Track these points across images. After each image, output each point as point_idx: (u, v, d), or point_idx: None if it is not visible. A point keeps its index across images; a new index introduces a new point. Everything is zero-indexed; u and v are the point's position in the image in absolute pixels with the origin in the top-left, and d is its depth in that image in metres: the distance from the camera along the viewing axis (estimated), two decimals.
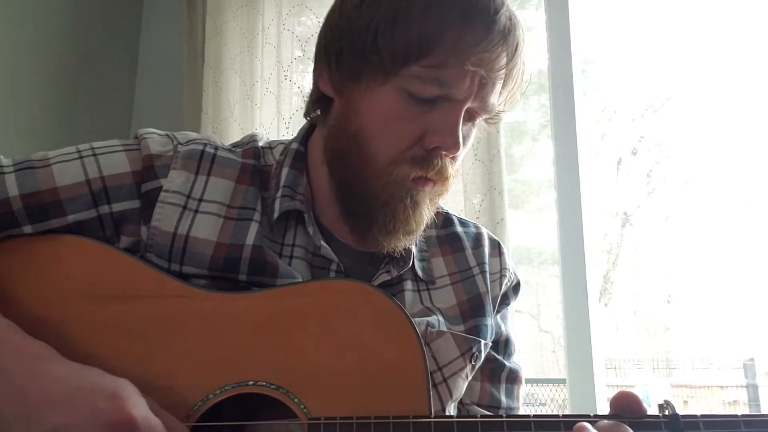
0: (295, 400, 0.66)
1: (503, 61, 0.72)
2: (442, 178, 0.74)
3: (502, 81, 0.75)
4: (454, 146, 0.72)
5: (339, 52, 0.74)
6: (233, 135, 1.92)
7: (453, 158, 0.75)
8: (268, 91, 1.98)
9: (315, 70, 0.80)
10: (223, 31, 2.04)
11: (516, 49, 0.73)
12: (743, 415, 0.60)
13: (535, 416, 0.62)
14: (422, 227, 0.77)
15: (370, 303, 0.69)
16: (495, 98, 0.75)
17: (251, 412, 0.69)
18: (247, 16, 2.05)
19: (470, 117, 0.76)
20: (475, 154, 1.70)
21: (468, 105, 0.73)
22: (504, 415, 0.63)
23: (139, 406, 0.60)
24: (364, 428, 0.63)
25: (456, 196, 1.74)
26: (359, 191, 0.75)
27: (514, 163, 2.48)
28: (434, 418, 0.63)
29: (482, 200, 1.68)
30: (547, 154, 1.91)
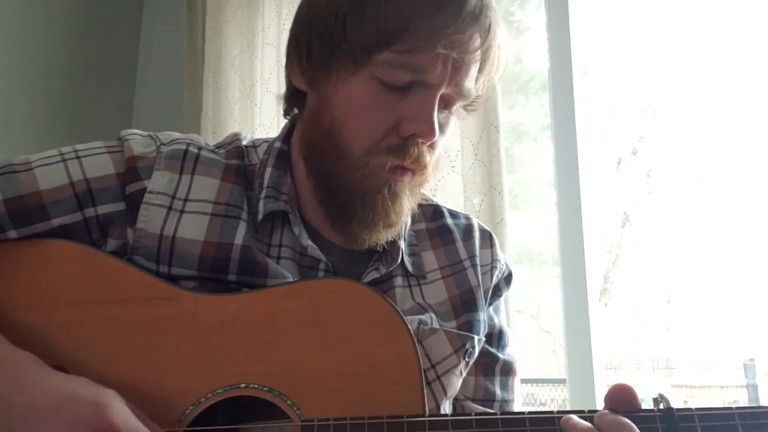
0: (288, 402, 0.65)
1: (477, 42, 0.71)
2: (419, 166, 0.73)
3: (477, 64, 0.73)
4: (430, 132, 0.71)
5: (309, 44, 0.73)
6: None
7: (431, 146, 0.73)
8: (268, 91, 1.98)
9: (287, 65, 0.78)
10: (223, 31, 2.04)
11: (489, 30, 0.72)
12: (737, 408, 0.61)
13: (530, 413, 0.62)
14: (403, 219, 0.75)
15: (362, 301, 0.68)
16: (471, 82, 0.73)
17: (244, 415, 0.69)
18: (247, 16, 2.05)
19: (446, 104, 0.74)
20: (475, 154, 1.70)
21: (443, 90, 0.71)
22: (499, 413, 0.63)
23: (121, 414, 0.60)
24: (358, 429, 0.62)
25: (456, 196, 1.73)
26: (336, 184, 0.74)
27: (514, 163, 2.48)
28: (428, 416, 0.63)
29: (482, 200, 1.67)
30: (547, 154, 1.91)
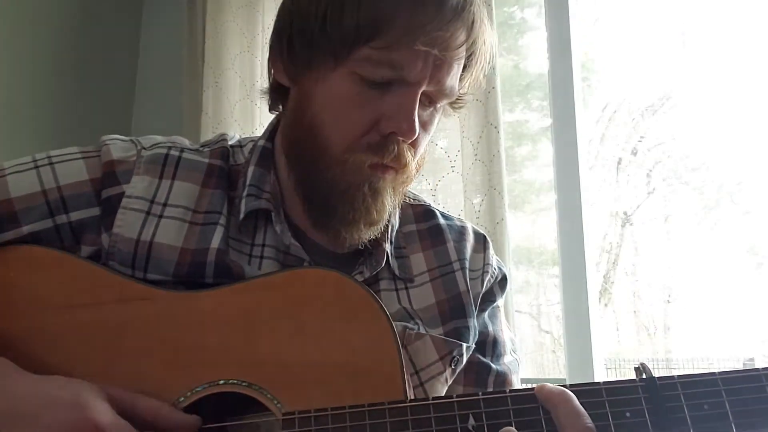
0: (268, 395, 0.64)
1: (459, 39, 0.69)
2: (400, 164, 0.72)
3: (460, 62, 0.72)
4: (410, 131, 0.69)
5: (290, 39, 0.72)
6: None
7: (412, 144, 0.72)
8: None
9: (269, 59, 0.77)
10: (223, 31, 2.04)
11: (472, 26, 0.70)
12: (720, 373, 0.61)
13: (511, 391, 0.62)
14: (384, 217, 0.74)
15: (338, 290, 0.67)
16: (453, 81, 0.72)
17: (229, 411, 0.68)
18: (247, 16, 2.05)
19: (430, 101, 0.73)
20: (475, 154, 1.70)
21: (424, 88, 0.70)
22: (480, 393, 0.62)
23: (103, 411, 0.59)
24: (339, 419, 0.61)
25: (456, 196, 1.73)
26: (317, 181, 0.73)
27: (515, 164, 2.48)
28: (410, 402, 0.61)
29: (482, 200, 1.67)
30: (547, 155, 1.92)
